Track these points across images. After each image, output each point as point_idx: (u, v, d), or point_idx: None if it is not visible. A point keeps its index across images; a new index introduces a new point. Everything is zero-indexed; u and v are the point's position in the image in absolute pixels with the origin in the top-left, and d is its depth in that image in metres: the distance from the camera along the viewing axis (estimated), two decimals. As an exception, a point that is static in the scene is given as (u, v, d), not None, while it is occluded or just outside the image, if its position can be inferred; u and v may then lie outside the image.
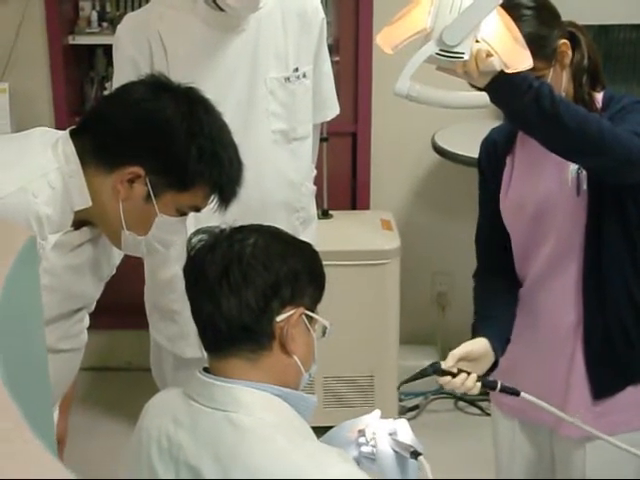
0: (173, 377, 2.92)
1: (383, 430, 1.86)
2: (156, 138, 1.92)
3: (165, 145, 1.92)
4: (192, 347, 2.76)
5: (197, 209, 2.01)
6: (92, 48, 4.18)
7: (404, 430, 1.86)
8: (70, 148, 1.94)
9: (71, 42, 4.09)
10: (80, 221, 1.99)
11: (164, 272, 2.80)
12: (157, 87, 1.98)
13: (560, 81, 2.15)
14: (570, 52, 2.16)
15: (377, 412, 1.91)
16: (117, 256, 2.17)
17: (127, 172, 1.91)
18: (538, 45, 2.07)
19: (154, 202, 1.93)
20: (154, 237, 1.99)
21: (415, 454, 1.80)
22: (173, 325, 2.83)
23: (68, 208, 1.94)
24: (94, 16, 4.06)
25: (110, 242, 2.05)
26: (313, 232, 2.95)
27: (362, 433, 1.87)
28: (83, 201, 1.94)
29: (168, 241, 2.04)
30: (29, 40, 4.04)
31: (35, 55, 4.07)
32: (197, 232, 1.81)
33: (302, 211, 2.89)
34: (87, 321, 2.22)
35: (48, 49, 4.07)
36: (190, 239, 1.81)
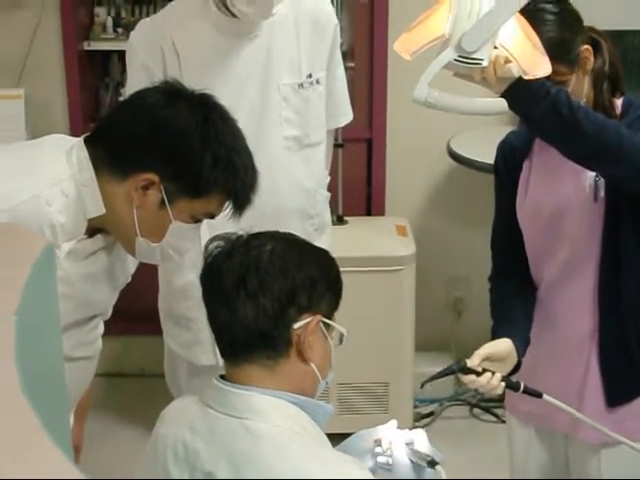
0: (187, 384, 2.92)
1: (400, 440, 1.86)
2: (171, 145, 1.92)
3: (180, 152, 1.92)
4: (206, 354, 2.76)
5: (211, 216, 2.00)
6: (107, 54, 4.18)
7: (422, 440, 1.85)
8: (84, 155, 1.94)
9: (86, 48, 4.09)
10: (94, 229, 1.99)
11: (178, 279, 2.80)
12: (171, 93, 1.98)
13: (582, 87, 2.15)
14: (592, 58, 2.15)
15: (393, 422, 1.90)
16: (132, 264, 2.17)
17: (141, 179, 1.91)
18: (562, 50, 2.07)
19: (168, 209, 1.93)
20: (168, 244, 1.99)
21: (432, 463, 1.79)
22: (187, 332, 2.83)
23: (81, 216, 1.93)
24: (109, 22, 4.07)
25: (124, 249, 2.04)
26: (328, 239, 2.94)
27: (378, 443, 1.86)
28: (96, 209, 1.94)
29: (182, 248, 2.03)
30: (44, 46, 4.05)
31: (50, 61, 4.08)
32: (214, 238, 1.81)
33: (316, 217, 2.89)
34: (102, 329, 2.22)
35: (63, 55, 4.07)
36: (207, 245, 1.81)
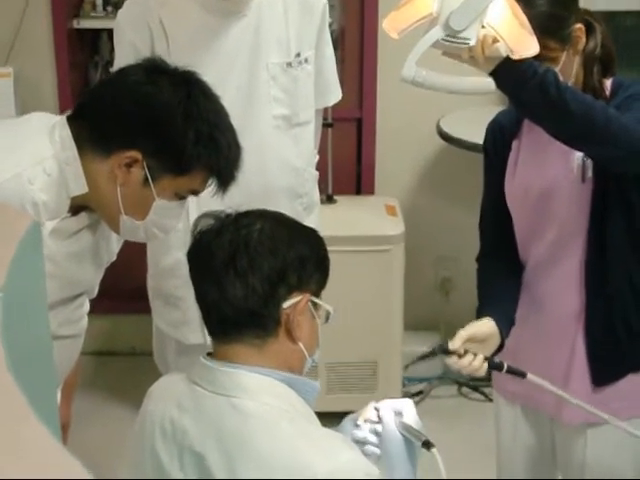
0: (175, 363, 2.93)
1: (389, 409, 1.85)
2: (153, 122, 1.91)
3: (162, 129, 1.91)
4: (195, 333, 2.76)
5: (195, 193, 2.00)
6: (97, 32, 4.17)
7: (410, 412, 1.85)
8: (67, 134, 1.94)
9: (76, 26, 4.08)
10: (78, 207, 1.98)
11: (166, 258, 2.79)
12: (154, 70, 1.97)
13: (572, 66, 2.15)
14: (584, 38, 2.15)
15: (372, 403, 1.90)
16: (116, 243, 2.17)
17: (124, 156, 1.90)
18: (553, 25, 2.07)
19: (152, 186, 1.93)
20: (152, 222, 1.99)
21: (427, 444, 1.78)
22: (176, 311, 2.83)
23: (64, 194, 1.93)
24: (99, 0, 4.05)
25: (109, 227, 2.04)
26: (316, 218, 2.94)
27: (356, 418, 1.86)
28: (79, 187, 1.93)
29: (167, 226, 2.03)
30: (34, 24, 4.03)
31: (40, 39, 4.06)
32: (203, 216, 1.81)
33: (305, 197, 2.89)
34: (87, 307, 2.22)
35: (53, 33, 4.06)
36: (196, 223, 1.81)
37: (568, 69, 2.13)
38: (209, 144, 1.92)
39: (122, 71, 2.02)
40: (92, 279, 2.14)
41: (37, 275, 1.33)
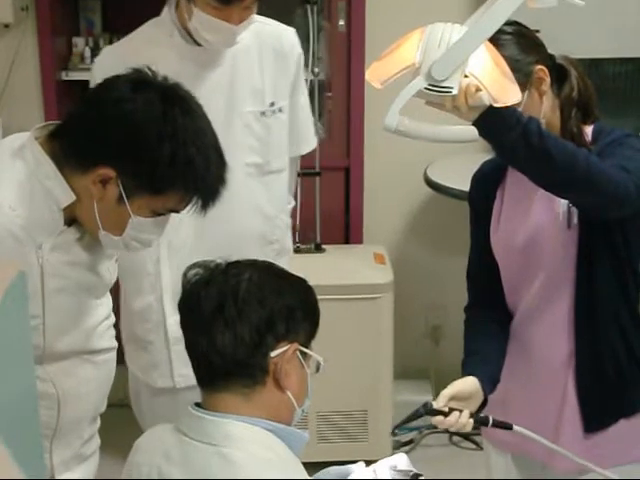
0: (148, 407, 2.92)
1: (384, 464, 1.87)
2: (126, 140, 1.87)
3: (134, 148, 1.87)
4: (163, 377, 2.76)
5: (175, 211, 1.97)
6: (85, 84, 4.17)
7: (403, 462, 1.87)
8: (38, 149, 1.91)
9: (64, 78, 4.10)
10: (72, 218, 1.96)
11: (138, 302, 2.78)
12: (136, 85, 1.92)
13: (537, 107, 2.16)
14: (548, 79, 2.16)
15: (361, 463, 1.91)
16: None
17: (98, 173, 1.87)
18: (509, 68, 2.07)
19: (127, 204, 1.89)
20: (131, 237, 1.95)
21: (416, 475, 1.80)
22: (146, 355, 2.82)
23: (55, 208, 1.91)
24: (87, 52, 4.08)
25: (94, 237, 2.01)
26: (286, 264, 2.94)
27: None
28: (67, 197, 1.90)
29: (145, 241, 2.00)
30: (22, 75, 4.05)
31: (28, 90, 4.08)
32: (192, 266, 1.82)
33: (276, 243, 2.89)
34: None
35: (41, 84, 4.08)
36: (185, 273, 1.81)
37: (534, 109, 2.13)
38: (184, 166, 1.87)
39: (103, 86, 1.98)
40: (104, 278, 2.09)
41: (22, 328, 1.32)
